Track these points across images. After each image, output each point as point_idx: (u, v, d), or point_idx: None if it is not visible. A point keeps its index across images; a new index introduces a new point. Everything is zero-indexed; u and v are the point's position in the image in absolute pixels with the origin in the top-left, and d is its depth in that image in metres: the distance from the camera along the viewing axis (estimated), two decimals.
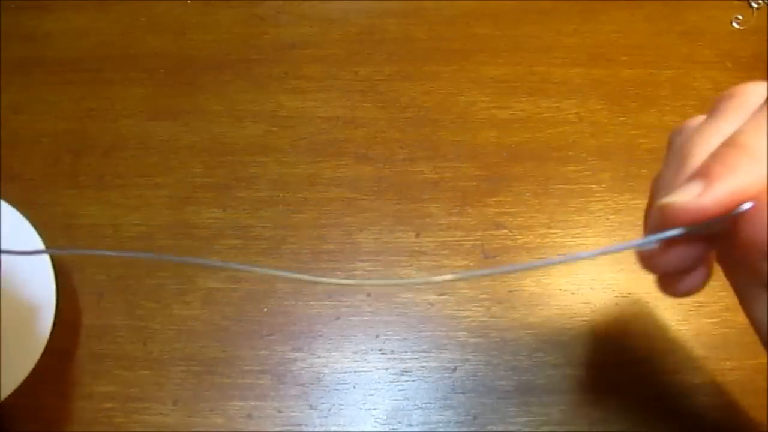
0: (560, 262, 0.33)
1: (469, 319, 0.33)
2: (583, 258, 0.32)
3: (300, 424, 0.31)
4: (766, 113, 0.18)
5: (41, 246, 0.33)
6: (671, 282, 0.21)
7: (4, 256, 0.30)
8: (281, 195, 0.37)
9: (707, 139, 0.20)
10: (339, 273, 0.35)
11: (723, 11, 0.43)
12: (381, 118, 0.39)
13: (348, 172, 0.38)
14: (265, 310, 0.34)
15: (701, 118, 0.21)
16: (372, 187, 0.37)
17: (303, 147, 0.39)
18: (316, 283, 0.23)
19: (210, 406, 0.32)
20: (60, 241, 0.36)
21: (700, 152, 0.19)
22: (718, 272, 0.21)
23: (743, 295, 0.21)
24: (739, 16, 0.43)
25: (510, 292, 0.34)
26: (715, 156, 0.18)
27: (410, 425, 0.31)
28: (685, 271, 0.20)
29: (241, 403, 0.32)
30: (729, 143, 0.19)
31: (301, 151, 0.38)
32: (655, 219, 0.19)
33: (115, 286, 0.34)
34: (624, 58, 0.41)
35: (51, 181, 0.38)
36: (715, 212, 0.18)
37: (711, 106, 0.21)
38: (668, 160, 0.21)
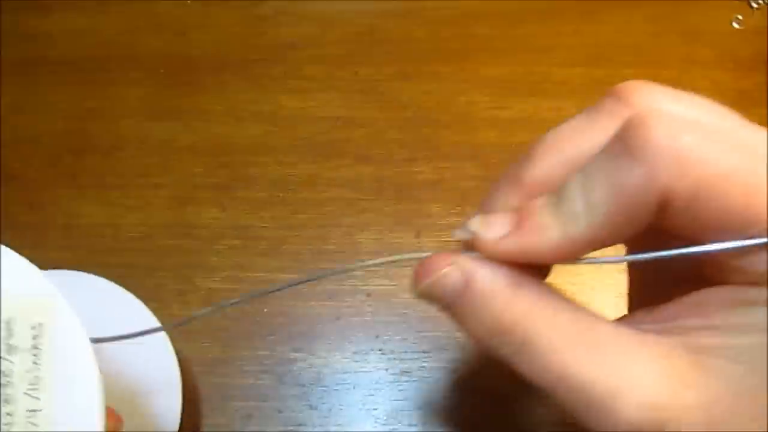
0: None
1: None
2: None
3: (300, 424, 0.31)
4: (605, 158, 0.16)
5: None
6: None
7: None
8: (281, 195, 0.37)
9: (557, 147, 0.19)
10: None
11: (723, 11, 0.43)
12: (381, 118, 0.39)
13: (348, 173, 0.38)
14: (265, 310, 0.34)
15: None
16: (372, 187, 0.37)
17: (303, 147, 0.39)
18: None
19: (210, 406, 0.32)
20: (60, 242, 0.36)
21: (542, 161, 0.18)
22: None
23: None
24: (739, 16, 0.43)
25: None
26: (533, 209, 0.17)
27: (410, 425, 0.31)
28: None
29: (241, 403, 0.32)
30: (554, 196, 0.17)
31: (301, 151, 0.38)
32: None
33: None
34: (624, 58, 0.41)
35: (51, 181, 0.38)
36: (513, 260, 0.17)
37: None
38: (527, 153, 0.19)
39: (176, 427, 0.28)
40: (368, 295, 0.34)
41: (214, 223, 0.36)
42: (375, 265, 0.20)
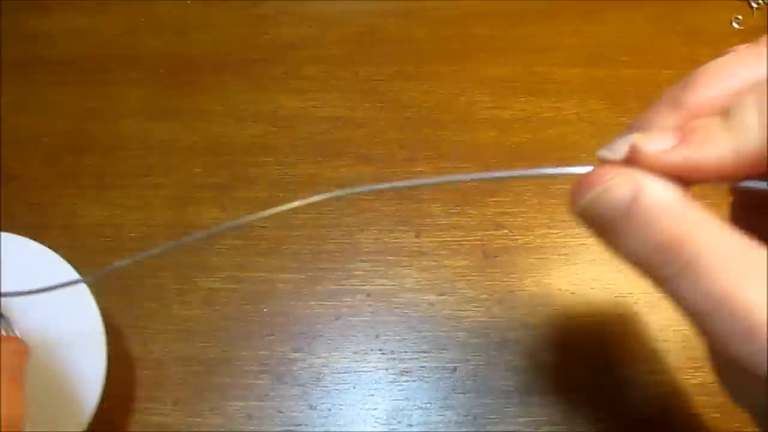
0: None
1: (470, 320, 0.33)
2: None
3: (300, 424, 0.31)
4: None
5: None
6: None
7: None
8: (281, 195, 0.37)
9: (722, 74, 0.19)
10: (339, 273, 0.35)
11: (723, 11, 0.43)
12: (381, 118, 0.39)
13: (348, 172, 0.38)
14: (265, 310, 0.34)
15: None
16: None
17: (303, 147, 0.39)
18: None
19: (210, 406, 0.32)
20: (60, 241, 0.36)
21: (706, 86, 0.18)
22: None
23: None
24: (739, 16, 0.43)
25: (510, 292, 0.34)
26: (702, 125, 0.17)
27: (410, 425, 0.31)
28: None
29: (241, 403, 0.32)
30: (724, 114, 0.17)
31: (301, 151, 0.38)
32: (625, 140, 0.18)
33: (116, 286, 0.34)
34: (624, 58, 0.41)
35: (51, 181, 0.38)
36: (676, 173, 0.17)
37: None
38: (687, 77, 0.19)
39: (99, 383, 0.29)
40: (368, 295, 0.34)
41: (214, 223, 0.36)
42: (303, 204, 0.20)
